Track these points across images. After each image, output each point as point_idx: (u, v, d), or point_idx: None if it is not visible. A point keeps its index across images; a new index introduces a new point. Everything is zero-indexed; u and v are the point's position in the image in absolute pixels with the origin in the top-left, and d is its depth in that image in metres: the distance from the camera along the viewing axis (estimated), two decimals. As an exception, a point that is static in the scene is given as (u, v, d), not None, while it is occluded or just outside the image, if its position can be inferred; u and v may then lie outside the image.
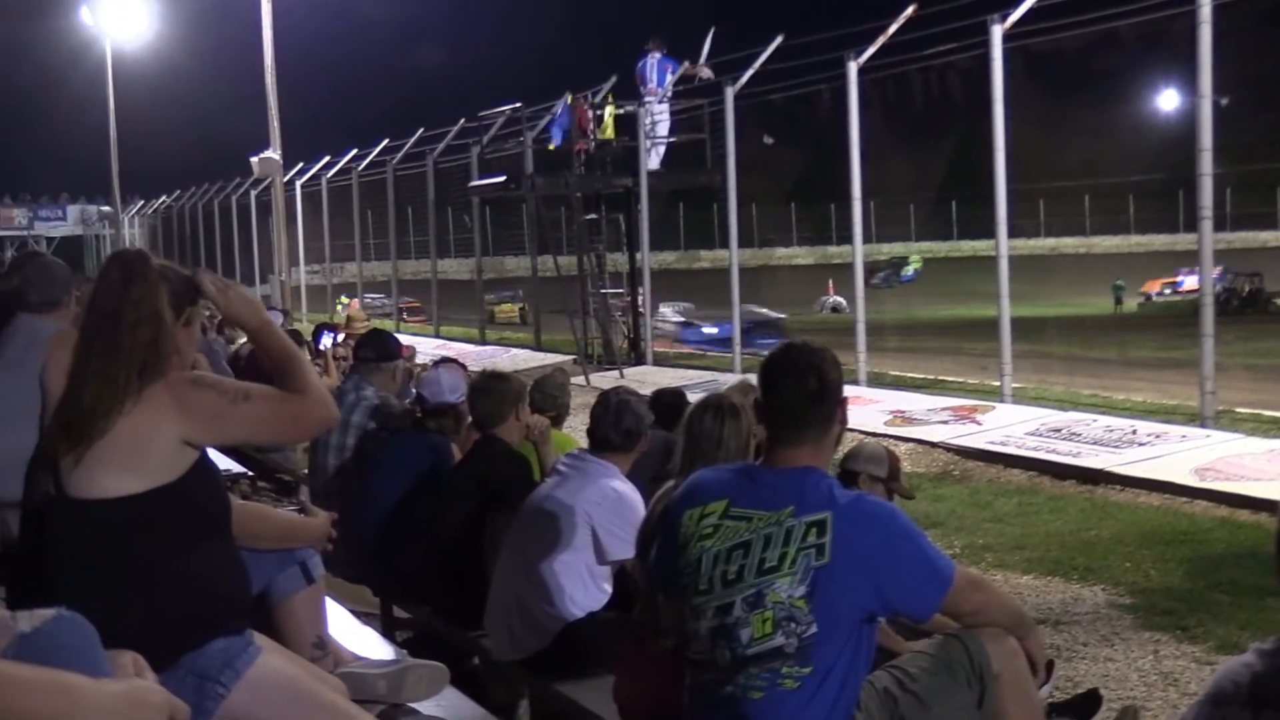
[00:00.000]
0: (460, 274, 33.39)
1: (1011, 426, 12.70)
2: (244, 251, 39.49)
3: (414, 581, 6.11)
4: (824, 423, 3.55)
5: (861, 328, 16.49)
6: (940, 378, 17.37)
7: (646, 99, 21.24)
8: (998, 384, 14.36)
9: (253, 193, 37.28)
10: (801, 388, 3.52)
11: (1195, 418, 12.09)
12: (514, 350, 24.60)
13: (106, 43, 47.10)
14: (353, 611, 5.42)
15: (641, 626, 4.17)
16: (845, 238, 17.81)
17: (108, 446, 3.26)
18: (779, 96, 19.24)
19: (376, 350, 7.71)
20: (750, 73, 18.72)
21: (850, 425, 3.88)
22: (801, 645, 3.34)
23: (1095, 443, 11.63)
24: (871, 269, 27.11)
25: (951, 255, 58.47)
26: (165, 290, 3.43)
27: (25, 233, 65.90)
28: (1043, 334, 24.70)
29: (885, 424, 13.40)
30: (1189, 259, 12.98)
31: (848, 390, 3.67)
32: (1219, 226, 15.18)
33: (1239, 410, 12.77)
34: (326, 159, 35.06)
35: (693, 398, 5.51)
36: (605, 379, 18.02)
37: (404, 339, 13.62)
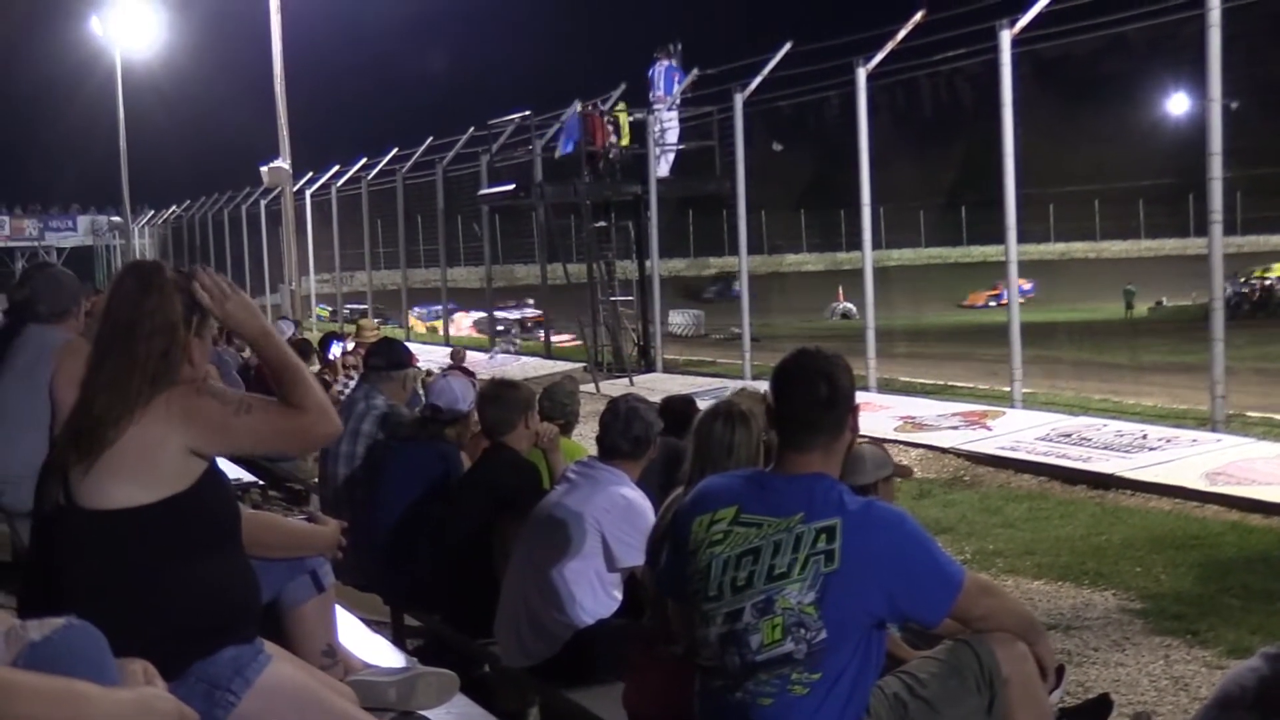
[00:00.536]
0: (470, 282, 33.43)
1: (1022, 431, 12.68)
2: (254, 261, 39.53)
3: (424, 589, 6.10)
4: (835, 429, 3.55)
5: (871, 334, 16.49)
6: (950, 383, 17.36)
7: (655, 106, 21.26)
8: (1008, 389, 14.35)
9: (263, 202, 37.31)
10: (813, 394, 3.52)
11: (1206, 422, 12.06)
12: (524, 358, 24.62)
13: (116, 53, 47.27)
14: (363, 619, 5.42)
15: (651, 633, 4.18)
16: (855, 244, 17.81)
17: (117, 456, 3.27)
18: (788, 103, 19.21)
19: (386, 359, 7.72)
20: (759, 80, 18.71)
21: (861, 432, 3.88)
22: (811, 651, 3.34)
23: (1106, 447, 11.61)
24: (701, 285, 27.48)
25: (962, 261, 58.43)
26: (180, 301, 3.44)
27: (36, 243, 65.97)
28: (1053, 339, 24.66)
29: (895, 430, 13.40)
30: (1199, 263, 12.94)
31: (858, 397, 3.67)
32: (1229, 230, 15.15)
33: (1250, 414, 12.74)
34: (336, 168, 35.08)
35: (702, 405, 5.52)
36: (615, 386, 18.03)
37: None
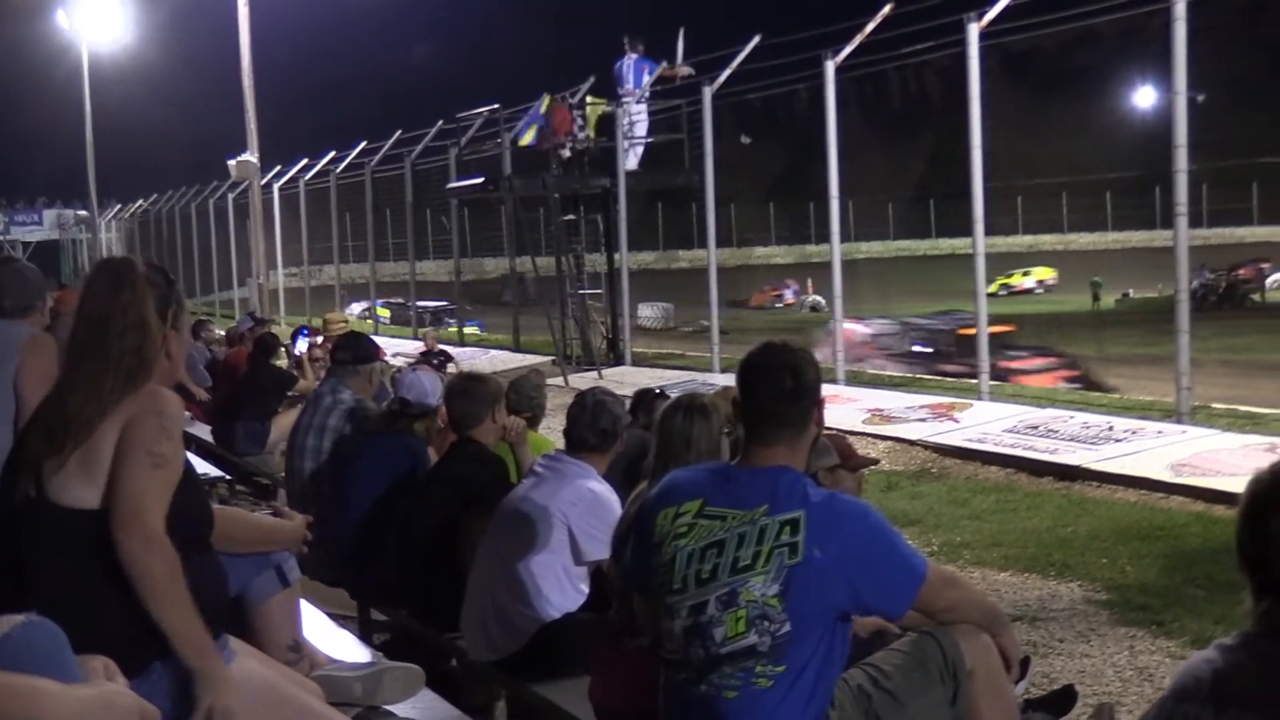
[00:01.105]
0: (439, 275, 33.36)
1: (989, 424, 12.73)
2: (222, 255, 39.29)
3: (391, 584, 6.09)
4: (800, 423, 3.56)
5: (839, 326, 16.52)
6: (918, 376, 17.41)
7: (624, 99, 21.23)
8: (975, 381, 14.41)
9: (230, 196, 37.12)
10: (778, 387, 3.53)
11: (1171, 414, 12.13)
12: (493, 351, 24.59)
13: (83, 46, 46.95)
14: (329, 614, 5.42)
15: (617, 626, 4.18)
16: (824, 236, 17.78)
17: (89, 453, 3.25)
18: (757, 96, 19.23)
19: (353, 352, 7.71)
20: (728, 73, 18.71)
21: (828, 425, 3.89)
22: (775, 644, 3.35)
23: (1072, 439, 11.67)
24: (504, 283, 28.11)
25: (930, 253, 58.61)
26: (152, 296, 3.42)
27: (1, 238, 65.51)
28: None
29: (863, 422, 13.43)
30: (1166, 255, 12.99)
31: (826, 389, 3.68)
32: (1195, 223, 15.22)
33: (1215, 406, 12.81)
34: (304, 161, 34.94)
35: (674, 396, 5.52)
36: (584, 380, 18.02)
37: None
